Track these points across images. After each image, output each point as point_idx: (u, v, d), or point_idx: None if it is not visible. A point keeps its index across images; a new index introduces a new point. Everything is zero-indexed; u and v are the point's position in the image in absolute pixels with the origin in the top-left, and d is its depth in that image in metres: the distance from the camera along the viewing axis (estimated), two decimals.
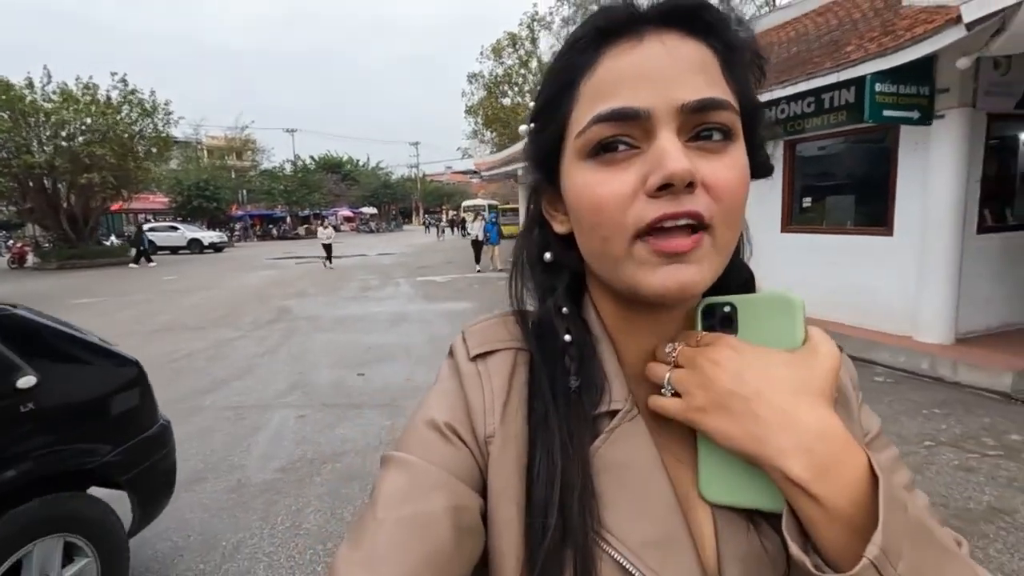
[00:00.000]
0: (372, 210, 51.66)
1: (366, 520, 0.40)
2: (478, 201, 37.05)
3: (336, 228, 17.89)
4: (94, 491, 2.14)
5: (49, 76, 19.32)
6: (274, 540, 2.77)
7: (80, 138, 18.86)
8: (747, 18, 0.43)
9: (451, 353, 0.50)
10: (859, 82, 5.18)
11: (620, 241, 0.40)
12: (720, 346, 0.41)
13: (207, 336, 7.66)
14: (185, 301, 11.03)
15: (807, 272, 6.25)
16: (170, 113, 21.40)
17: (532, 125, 0.47)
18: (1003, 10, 3.93)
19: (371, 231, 46.78)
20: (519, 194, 17.43)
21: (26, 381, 1.78)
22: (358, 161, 54.36)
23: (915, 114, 5.09)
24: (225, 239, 29.71)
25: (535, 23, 24.29)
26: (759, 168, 0.46)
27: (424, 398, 0.48)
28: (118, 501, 2.17)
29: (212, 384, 5.42)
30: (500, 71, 25.42)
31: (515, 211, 22.52)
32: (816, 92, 5.88)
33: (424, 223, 50.29)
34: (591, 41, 0.41)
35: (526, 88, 25.28)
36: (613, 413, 0.44)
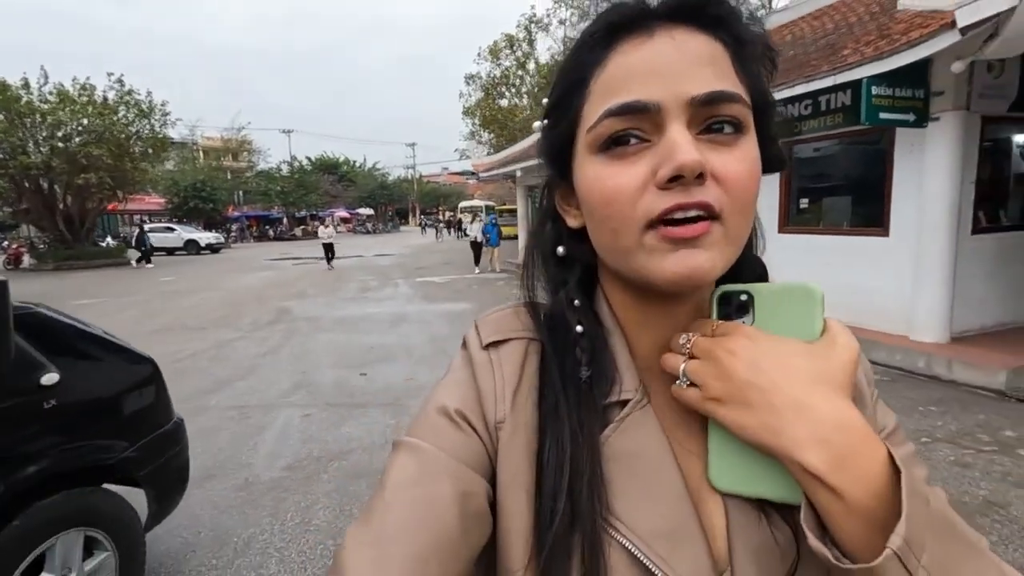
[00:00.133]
0: (368, 211, 51.66)
1: (375, 502, 0.41)
2: (475, 202, 37.14)
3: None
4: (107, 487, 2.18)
5: (46, 76, 19.30)
6: (284, 536, 2.82)
7: (77, 139, 18.83)
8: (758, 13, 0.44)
9: (464, 344, 0.51)
10: (855, 85, 5.26)
11: (631, 232, 0.40)
12: (736, 336, 0.41)
13: (208, 337, 7.67)
14: (184, 302, 11.04)
15: (804, 272, 6.28)
16: (167, 114, 21.42)
17: (545, 122, 0.48)
18: (996, 15, 4.01)
19: (368, 232, 46.76)
20: (517, 195, 17.46)
21: (49, 378, 1.82)
22: (355, 162, 54.38)
23: (910, 117, 5.17)
24: (222, 240, 29.67)
25: (532, 25, 24.36)
26: (772, 162, 0.46)
27: (436, 385, 0.49)
28: (131, 497, 2.21)
29: (215, 384, 5.44)
30: (497, 72, 25.48)
31: (512, 212, 22.54)
32: (813, 95, 5.96)
33: (421, 224, 50.32)
34: (602, 37, 0.42)
35: (523, 89, 25.34)
36: (624, 403, 0.45)
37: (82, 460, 1.97)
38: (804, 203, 6.94)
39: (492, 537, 0.43)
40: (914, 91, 5.13)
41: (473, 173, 26.62)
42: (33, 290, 13.47)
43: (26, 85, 18.72)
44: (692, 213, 0.38)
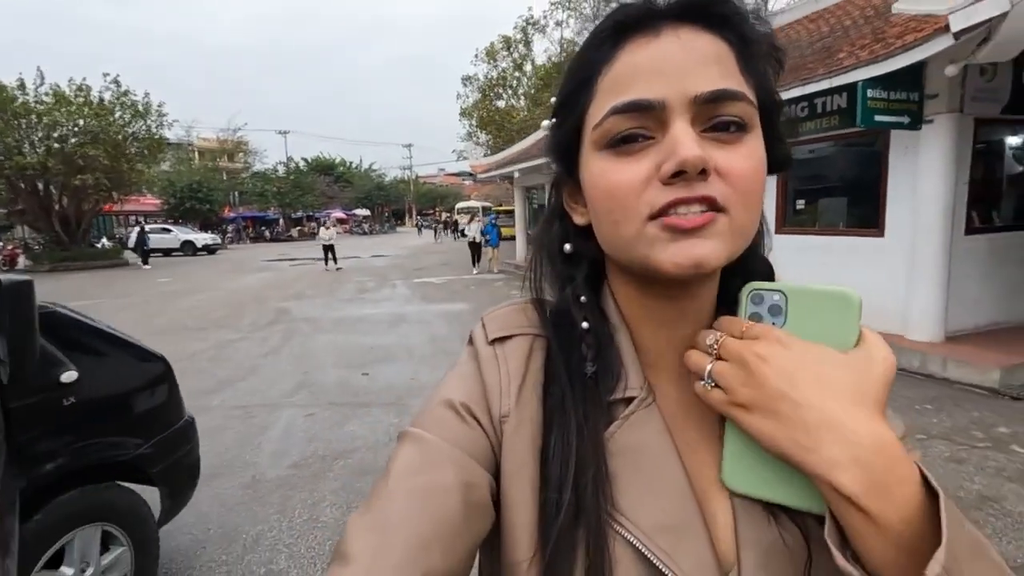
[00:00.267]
0: (365, 212, 51.63)
1: (379, 489, 0.41)
2: (472, 203, 37.19)
3: (319, 230, 17.70)
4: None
5: (42, 77, 19.23)
6: (292, 532, 2.85)
7: (73, 139, 18.78)
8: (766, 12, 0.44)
9: (471, 339, 0.51)
10: (851, 88, 5.33)
11: (633, 223, 0.41)
12: (768, 340, 0.39)
13: (207, 338, 7.69)
14: (183, 303, 11.03)
15: (800, 272, 6.34)
16: (164, 115, 21.37)
17: (553, 120, 0.48)
18: (989, 20, 4.10)
19: (364, 233, 46.72)
20: (515, 196, 17.51)
21: (68, 376, 1.86)
22: (351, 163, 54.38)
23: (905, 119, 5.25)
24: (218, 241, 29.59)
25: (529, 26, 24.42)
26: (779, 161, 0.47)
27: (442, 379, 0.50)
28: (143, 494, 2.24)
29: (217, 384, 5.47)
30: (494, 74, 25.54)
31: (509, 213, 22.59)
32: (809, 97, 6.04)
33: (417, 225, 50.33)
34: (609, 37, 0.42)
35: (520, 91, 25.40)
36: (628, 400, 0.45)
37: (99, 456, 2.01)
38: (800, 204, 7.03)
39: (496, 529, 0.44)
40: (909, 94, 5.21)
41: (470, 174, 26.66)
42: None
43: (22, 86, 18.66)
44: (695, 207, 0.39)
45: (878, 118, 5.17)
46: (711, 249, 0.39)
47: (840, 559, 0.35)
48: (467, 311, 9.38)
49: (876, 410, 0.37)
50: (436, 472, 0.41)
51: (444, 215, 46.12)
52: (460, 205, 38.68)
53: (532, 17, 24.45)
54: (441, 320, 8.61)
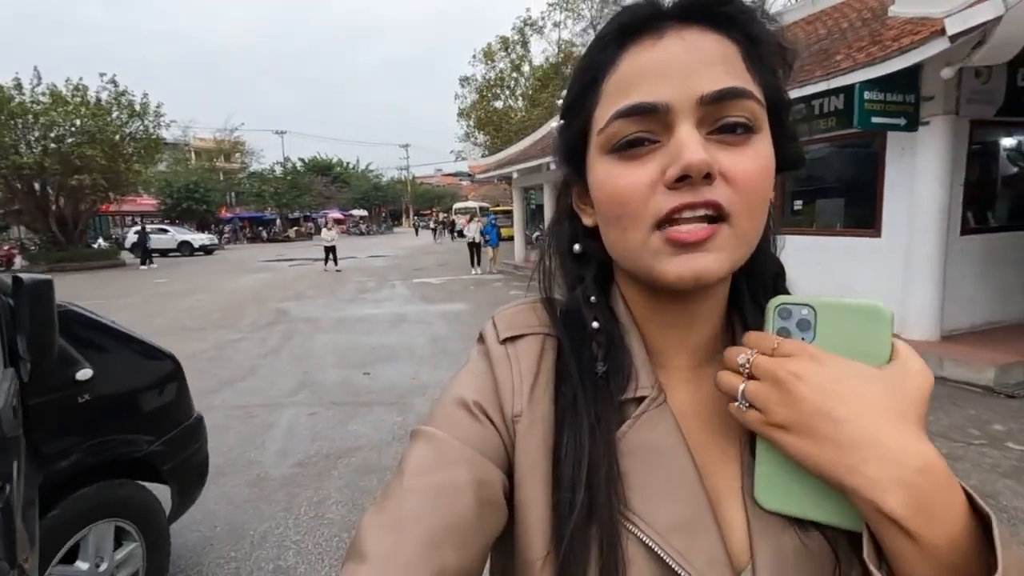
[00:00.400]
0: (362, 212, 51.61)
1: (392, 487, 0.41)
2: (469, 204, 37.18)
3: (321, 230, 17.64)
4: None
5: (39, 77, 19.18)
6: (299, 529, 2.88)
7: (70, 140, 18.73)
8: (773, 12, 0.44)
9: (481, 338, 0.51)
10: (848, 90, 5.39)
11: (639, 232, 0.41)
12: (802, 357, 0.38)
13: (207, 338, 7.70)
14: (181, 303, 11.03)
15: (797, 272, 6.17)
16: (161, 115, 21.34)
17: (560, 122, 0.49)
18: (984, 24, 4.16)
19: (362, 233, 46.70)
20: (513, 197, 17.55)
21: (83, 374, 1.89)
22: (348, 163, 54.34)
23: (902, 121, 5.31)
24: (215, 242, 29.55)
25: (527, 27, 24.47)
26: (791, 161, 0.46)
27: (453, 378, 0.50)
28: (154, 491, 2.28)
29: (218, 384, 5.49)
30: (492, 75, 25.57)
31: (507, 214, 22.64)
32: (807, 99, 6.09)
33: (415, 225, 50.32)
34: (614, 39, 0.42)
35: (518, 92, 25.43)
36: (640, 400, 0.45)
37: (112, 453, 2.04)
38: (798, 205, 7.09)
39: (510, 527, 0.44)
40: (905, 96, 5.27)
41: (467, 174, 26.68)
42: None
43: (19, 85, 18.61)
44: (700, 212, 0.39)
45: (875, 120, 5.23)
46: (712, 262, 0.39)
47: None
48: (467, 311, 9.41)
49: (918, 426, 0.36)
50: (449, 470, 0.41)
51: (441, 215, 46.13)
52: (458, 205, 38.65)
53: (530, 18, 24.49)
54: (441, 320, 8.64)
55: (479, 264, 15.44)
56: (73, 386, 1.86)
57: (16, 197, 19.50)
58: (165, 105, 21.60)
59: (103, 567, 1.97)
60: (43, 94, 18.94)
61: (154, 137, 21.53)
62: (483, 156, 21.44)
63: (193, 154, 43.21)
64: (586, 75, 0.44)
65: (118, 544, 2.07)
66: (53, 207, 20.24)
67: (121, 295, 12.64)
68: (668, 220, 0.40)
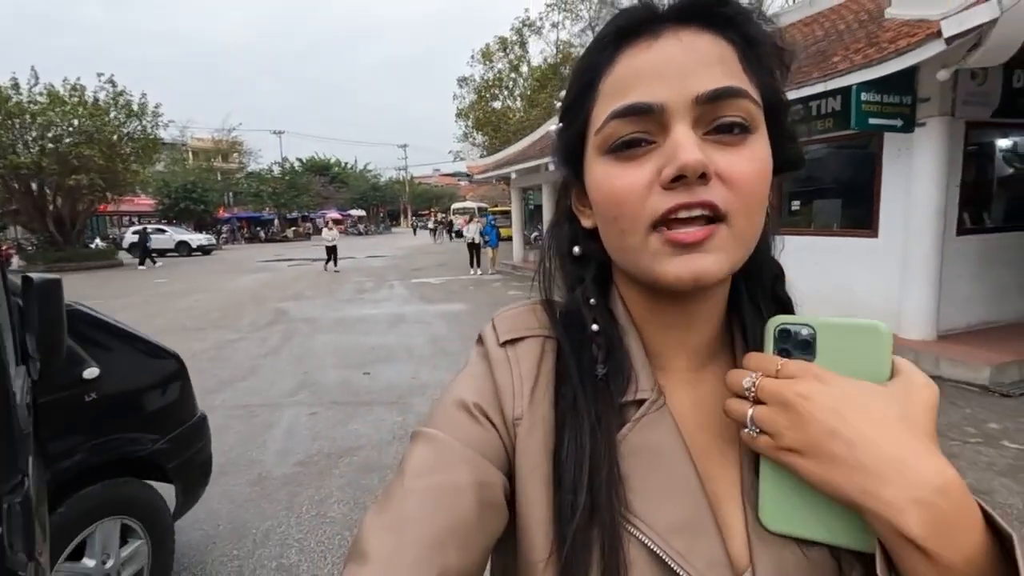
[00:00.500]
0: (360, 212, 51.59)
1: (394, 489, 0.42)
2: (467, 204, 37.21)
3: (322, 231, 17.60)
4: None
5: (36, 77, 19.14)
6: (301, 527, 2.90)
7: (67, 139, 18.70)
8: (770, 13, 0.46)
9: (480, 340, 0.51)
10: (845, 91, 5.43)
11: (637, 233, 0.41)
12: (807, 378, 0.38)
13: (207, 338, 7.71)
14: (180, 303, 11.03)
15: (795, 272, 6.24)
16: (159, 115, 21.31)
17: (559, 124, 0.49)
18: (980, 26, 4.19)
19: (360, 233, 46.67)
20: (512, 197, 17.57)
21: (90, 372, 1.91)
22: (346, 163, 54.33)
23: (898, 122, 5.35)
24: (213, 242, 29.52)
25: (525, 28, 24.49)
26: (790, 161, 0.46)
27: (453, 380, 0.50)
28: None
29: (219, 384, 5.50)
30: (490, 75, 25.59)
31: (505, 214, 22.67)
32: (804, 100, 6.13)
33: (413, 225, 50.31)
34: (611, 41, 0.43)
35: (516, 92, 25.46)
36: (640, 402, 0.45)
37: (118, 452, 2.06)
38: (796, 205, 7.13)
39: (510, 528, 0.44)
40: (902, 97, 5.31)
41: (465, 174, 26.68)
42: None
43: (16, 85, 18.57)
44: (696, 212, 0.39)
45: (872, 121, 5.27)
46: (712, 263, 0.40)
47: None
48: (466, 311, 9.43)
49: (931, 441, 0.36)
50: (450, 472, 0.41)
51: (439, 215, 46.14)
52: (456, 206, 38.68)
53: (528, 19, 24.51)
54: (440, 320, 8.66)
55: (478, 265, 15.43)
56: (80, 384, 1.88)
57: (13, 197, 19.45)
58: (163, 105, 21.61)
59: (109, 564, 1.99)
60: (40, 94, 18.91)
61: (152, 137, 21.49)
62: (481, 156, 21.46)
63: (191, 154, 43.13)
64: (583, 77, 0.45)
65: (124, 541, 2.09)
66: (50, 207, 20.21)
67: (120, 295, 12.63)
68: (665, 221, 0.40)
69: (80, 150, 18.22)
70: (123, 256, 23.18)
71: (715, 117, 0.40)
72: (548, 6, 23.51)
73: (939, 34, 4.42)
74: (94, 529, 1.93)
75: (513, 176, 15.68)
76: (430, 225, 43.07)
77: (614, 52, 0.42)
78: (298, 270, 17.83)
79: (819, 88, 5.58)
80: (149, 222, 29.98)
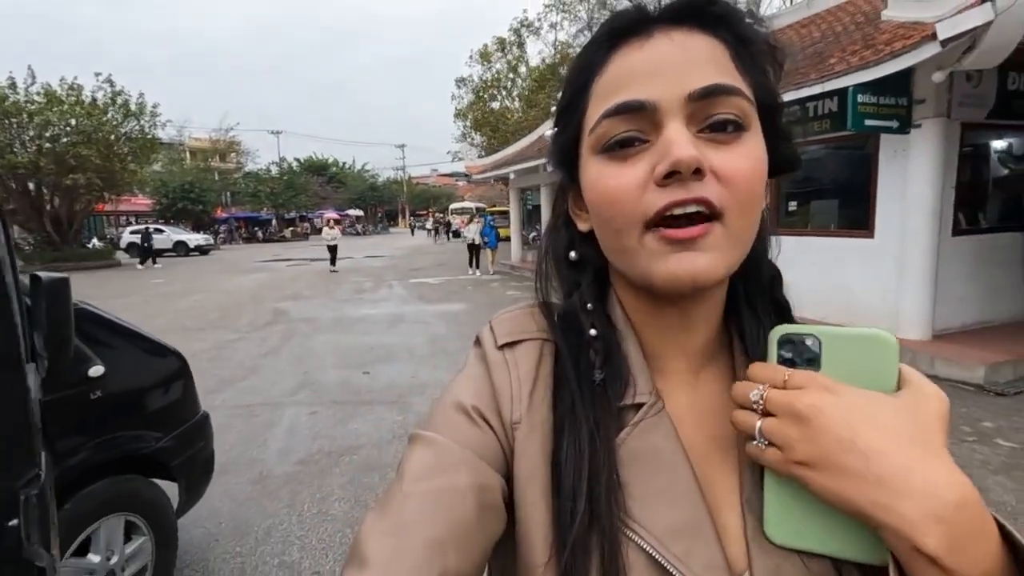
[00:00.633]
0: (358, 212, 51.58)
1: (393, 492, 0.41)
2: (465, 204, 37.23)
3: (321, 231, 17.57)
4: None
5: (33, 77, 19.11)
6: (303, 525, 2.92)
7: (65, 139, 18.67)
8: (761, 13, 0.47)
9: (478, 342, 0.51)
10: (842, 93, 5.47)
11: (632, 232, 0.41)
12: (816, 389, 0.37)
13: (206, 338, 7.71)
14: (179, 304, 11.03)
15: (792, 272, 6.22)
16: (157, 115, 21.30)
17: (554, 127, 0.49)
18: (974, 29, 4.24)
19: (358, 233, 46.66)
20: (510, 197, 17.59)
21: (95, 370, 1.93)
22: (344, 163, 54.33)
23: (894, 123, 5.40)
24: (211, 242, 29.49)
25: (523, 28, 24.54)
26: (785, 162, 0.46)
27: (451, 383, 0.49)
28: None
29: (219, 384, 5.51)
30: (489, 76, 25.63)
31: (503, 214, 22.71)
32: (801, 101, 6.18)
33: (410, 226, 50.31)
34: (604, 42, 0.43)
35: (515, 92, 25.49)
36: (638, 406, 0.45)
37: (122, 449, 2.07)
38: (793, 206, 7.17)
39: (509, 531, 0.44)
40: (897, 99, 5.35)
41: (463, 174, 26.70)
42: None
43: (13, 85, 18.54)
44: (691, 209, 0.39)
45: (868, 122, 5.31)
46: (707, 261, 0.39)
47: None
48: (465, 311, 9.46)
49: (945, 454, 0.35)
50: (450, 475, 0.41)
51: (437, 215, 46.15)
52: (454, 206, 38.69)
53: (526, 19, 24.57)
54: (439, 320, 8.68)
55: (477, 266, 15.44)
56: (86, 382, 1.90)
57: (11, 197, 19.39)
58: (161, 105, 21.63)
59: (114, 560, 2.01)
60: (38, 93, 18.88)
61: (149, 137, 21.47)
62: (480, 157, 21.48)
63: (188, 154, 43.06)
64: (577, 79, 0.45)
65: (128, 538, 2.10)
66: (48, 207, 20.16)
67: (119, 295, 12.61)
68: (660, 220, 0.40)
69: (77, 150, 18.20)
70: (120, 256, 23.15)
71: (708, 115, 0.40)
72: (546, 7, 23.58)
73: (934, 36, 4.46)
74: (99, 525, 1.95)
75: (512, 176, 15.72)
76: (428, 225, 43.09)
77: (607, 53, 0.43)
78: (296, 270, 17.83)
79: (816, 89, 5.63)
80: (147, 222, 29.94)
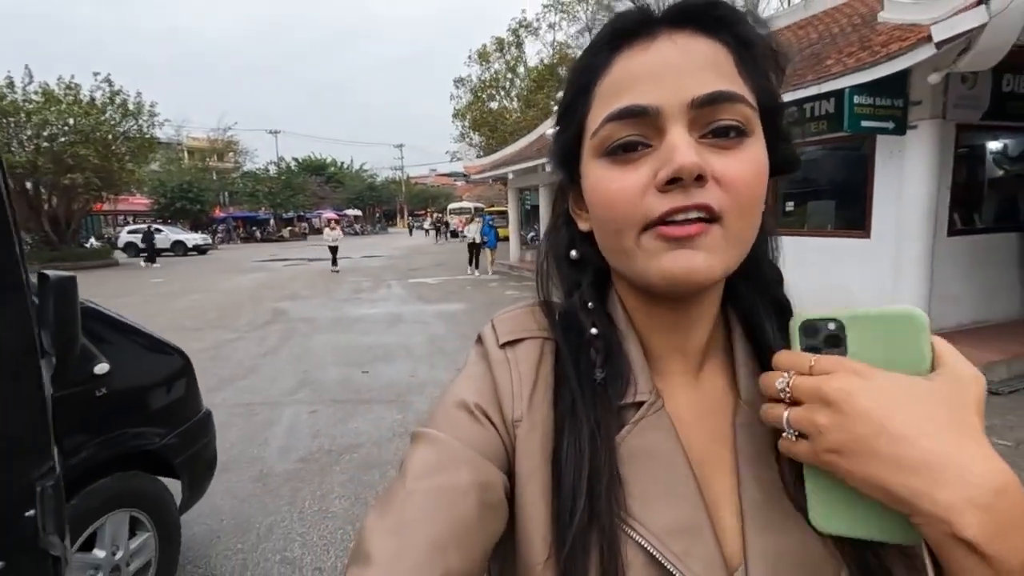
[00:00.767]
0: (356, 212, 51.57)
1: (395, 490, 0.41)
2: (464, 204, 37.26)
3: (321, 231, 17.61)
4: None
5: (30, 76, 19.08)
6: (304, 522, 2.95)
7: (63, 139, 18.65)
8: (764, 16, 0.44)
9: (480, 340, 0.52)
10: (838, 94, 5.50)
11: (631, 234, 0.41)
12: (844, 372, 0.36)
13: (205, 337, 7.72)
14: (178, 303, 11.04)
15: (789, 272, 6.41)
16: (155, 115, 21.29)
17: (556, 128, 0.49)
18: (970, 31, 4.27)
19: (356, 233, 46.65)
20: (509, 197, 17.62)
21: (101, 368, 1.95)
22: (342, 163, 54.29)
23: (890, 124, 5.44)
24: (209, 241, 29.47)
25: (522, 28, 24.57)
26: (785, 164, 0.46)
27: (453, 381, 0.50)
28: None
29: (219, 383, 5.53)
30: (487, 76, 25.66)
31: (501, 214, 22.76)
32: (798, 102, 6.21)
33: (409, 226, 50.32)
34: (606, 44, 0.43)
35: (513, 92, 25.53)
36: (638, 405, 0.45)
37: (127, 446, 2.10)
38: (790, 206, 7.22)
39: (509, 529, 0.44)
40: (893, 100, 5.39)
41: (462, 175, 26.72)
42: None
43: (10, 84, 18.51)
44: (692, 215, 0.39)
45: (864, 123, 5.35)
46: (704, 260, 0.39)
47: None
48: (463, 311, 9.48)
49: (983, 439, 0.33)
50: (452, 473, 0.41)
51: (435, 215, 46.15)
52: (452, 206, 38.72)
53: (525, 19, 24.60)
54: (438, 320, 8.70)
55: (477, 265, 15.44)
56: (91, 380, 1.92)
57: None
58: (159, 104, 21.60)
59: (118, 556, 2.03)
60: (35, 93, 18.85)
61: (148, 136, 21.46)
62: (478, 157, 21.52)
63: (186, 153, 43.01)
64: (579, 80, 0.45)
65: (132, 534, 2.13)
66: (46, 206, 20.13)
67: (118, 295, 12.59)
68: (659, 222, 0.40)
69: (75, 149, 18.18)
70: (119, 256, 23.12)
71: (710, 121, 0.40)
72: (545, 7, 23.62)
73: (930, 39, 4.50)
74: (105, 521, 1.98)
75: (510, 176, 15.74)
76: (426, 225, 43.08)
77: (610, 55, 0.43)
78: (294, 270, 17.83)
79: (813, 91, 5.66)
80: (144, 221, 29.90)
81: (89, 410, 1.93)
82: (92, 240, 27.00)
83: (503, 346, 0.49)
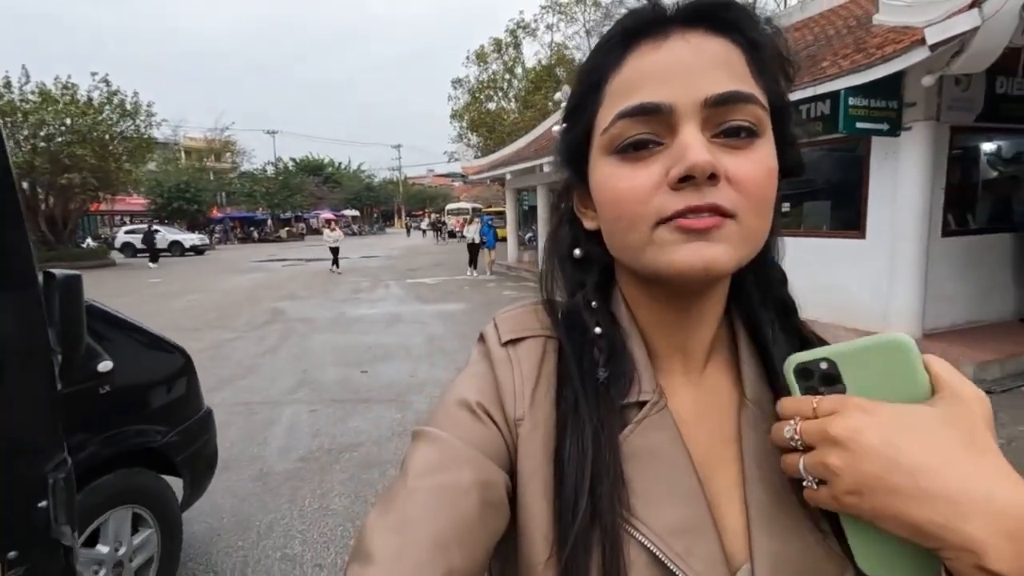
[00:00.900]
0: (354, 213, 51.55)
1: (397, 488, 0.41)
2: (461, 204, 37.30)
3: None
4: None
5: (27, 76, 19.05)
6: (304, 520, 2.98)
7: (60, 139, 18.62)
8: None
9: (482, 339, 0.51)
10: (834, 96, 5.55)
11: (642, 229, 0.41)
12: (849, 410, 0.36)
13: (204, 337, 7.73)
14: (176, 303, 11.05)
15: (787, 272, 6.62)
16: (152, 115, 21.26)
17: (563, 125, 0.49)
18: (963, 34, 4.32)
19: (354, 234, 46.62)
20: (507, 198, 17.65)
21: (104, 366, 1.97)
22: (340, 163, 54.27)
23: (885, 126, 5.48)
24: (206, 242, 29.43)
25: (520, 29, 24.62)
26: (791, 167, 0.46)
27: (454, 380, 0.50)
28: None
29: (218, 383, 5.54)
30: (485, 76, 25.71)
31: (499, 215, 22.79)
32: (794, 104, 6.25)
33: (406, 226, 50.33)
34: (618, 42, 0.43)
35: (511, 93, 25.58)
36: (641, 404, 0.45)
37: (129, 443, 2.12)
38: (786, 207, 7.22)
39: (510, 528, 0.44)
40: (888, 102, 5.44)
41: (459, 175, 26.76)
42: None
43: (7, 84, 18.49)
44: (704, 216, 0.39)
45: (859, 125, 5.39)
46: (721, 252, 0.39)
47: None
48: (462, 311, 9.51)
49: (1002, 462, 0.33)
50: (454, 471, 0.41)
51: (433, 216, 46.17)
52: (450, 206, 38.76)
53: (523, 20, 24.66)
54: (437, 320, 8.72)
55: (476, 266, 15.46)
56: (95, 377, 1.95)
57: None
58: (156, 104, 21.57)
59: (121, 551, 2.06)
60: (32, 93, 18.82)
61: (145, 137, 21.43)
62: (476, 157, 21.55)
63: (183, 153, 42.91)
64: (590, 78, 0.44)
65: (135, 530, 2.15)
66: (43, 206, 20.09)
67: (116, 295, 12.58)
68: (672, 219, 0.40)
69: (72, 149, 18.15)
70: (116, 256, 23.08)
71: (723, 120, 0.40)
72: (543, 8, 23.67)
73: (924, 41, 4.54)
74: (108, 517, 2.00)
75: (508, 177, 15.77)
76: (423, 226, 43.08)
77: (621, 53, 0.42)
78: (292, 270, 17.83)
79: (808, 92, 5.70)
80: (141, 221, 29.85)
81: (93, 407, 1.95)
82: (89, 240, 26.92)
83: (505, 344, 0.49)
